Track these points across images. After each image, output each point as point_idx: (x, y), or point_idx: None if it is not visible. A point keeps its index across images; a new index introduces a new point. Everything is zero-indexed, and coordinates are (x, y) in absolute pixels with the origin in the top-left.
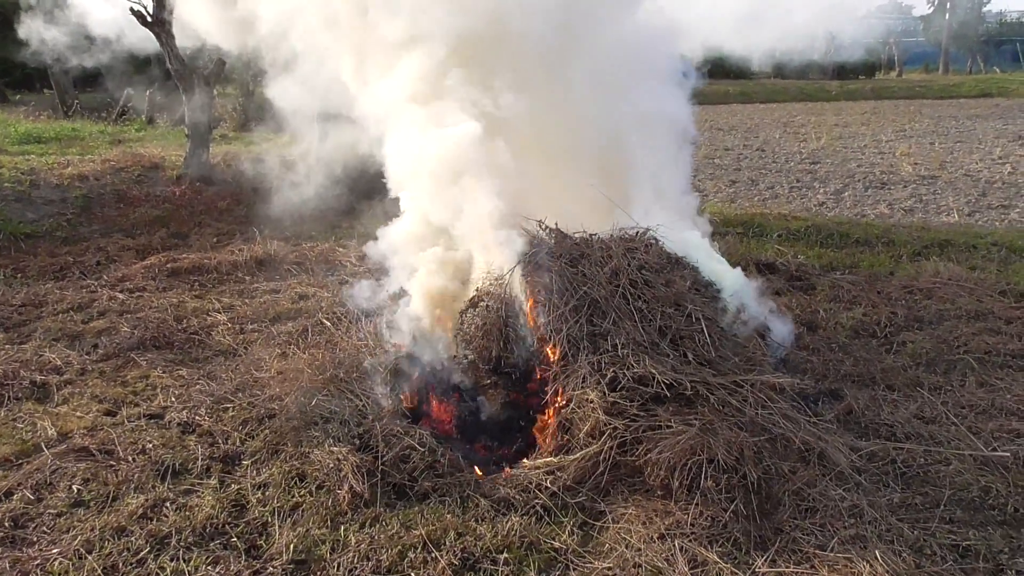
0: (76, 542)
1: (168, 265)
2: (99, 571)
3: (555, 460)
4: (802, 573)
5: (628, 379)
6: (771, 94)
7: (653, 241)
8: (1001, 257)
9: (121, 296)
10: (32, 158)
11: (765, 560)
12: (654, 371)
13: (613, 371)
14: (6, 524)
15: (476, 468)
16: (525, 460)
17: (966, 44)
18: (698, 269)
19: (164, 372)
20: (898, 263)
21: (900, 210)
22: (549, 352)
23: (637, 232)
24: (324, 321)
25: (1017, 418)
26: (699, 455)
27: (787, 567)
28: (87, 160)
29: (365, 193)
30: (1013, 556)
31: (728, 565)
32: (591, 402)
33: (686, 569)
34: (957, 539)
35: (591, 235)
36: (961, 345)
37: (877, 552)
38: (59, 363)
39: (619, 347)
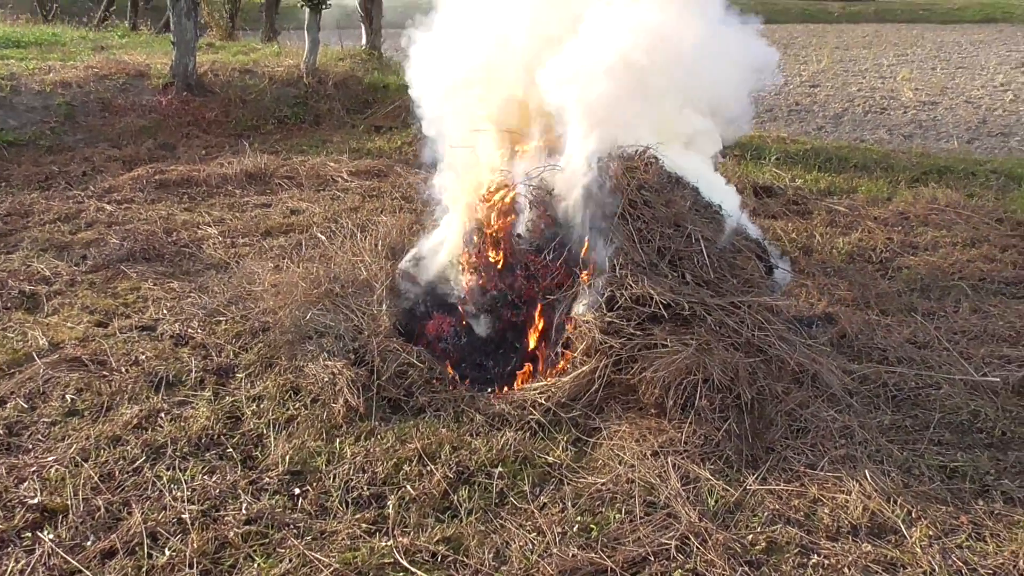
0: (72, 450)
1: (156, 177)
2: (95, 478)
3: (551, 381)
4: (792, 490)
5: (625, 299)
6: (772, 14)
7: (653, 160)
8: (999, 185)
9: (109, 207)
10: (12, 63)
11: (756, 477)
12: (652, 291)
13: (610, 291)
14: (1, 432)
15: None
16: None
17: None
18: (698, 189)
19: (155, 284)
20: (896, 189)
21: (899, 136)
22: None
23: (637, 151)
24: (319, 235)
25: (1008, 344)
26: (694, 374)
27: (777, 484)
28: (69, 67)
29: (357, 108)
30: (999, 477)
31: (720, 481)
32: (588, 322)
33: (678, 485)
34: (945, 460)
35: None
36: (956, 272)
37: (866, 471)
38: (48, 273)
39: (617, 268)
